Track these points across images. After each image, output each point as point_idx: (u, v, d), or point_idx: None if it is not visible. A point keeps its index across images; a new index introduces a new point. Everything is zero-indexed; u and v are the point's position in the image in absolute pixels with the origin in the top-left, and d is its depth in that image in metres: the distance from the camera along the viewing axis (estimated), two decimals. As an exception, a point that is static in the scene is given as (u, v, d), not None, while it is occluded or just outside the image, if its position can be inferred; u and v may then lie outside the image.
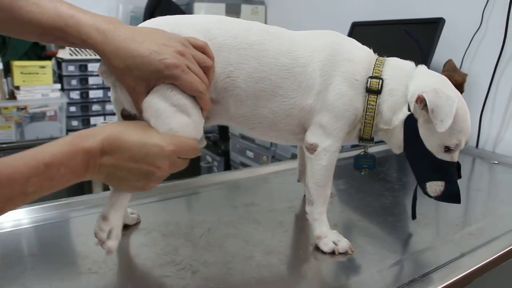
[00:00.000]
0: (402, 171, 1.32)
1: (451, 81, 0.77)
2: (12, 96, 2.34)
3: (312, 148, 0.77)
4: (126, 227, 0.82)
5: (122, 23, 0.65)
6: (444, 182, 0.75)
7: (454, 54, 1.56)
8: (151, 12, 2.61)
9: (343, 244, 0.77)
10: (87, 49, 0.68)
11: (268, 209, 0.97)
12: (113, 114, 0.75)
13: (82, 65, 2.53)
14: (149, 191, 0.67)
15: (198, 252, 0.77)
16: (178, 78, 0.64)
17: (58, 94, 2.43)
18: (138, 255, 0.76)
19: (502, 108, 1.51)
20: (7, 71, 2.37)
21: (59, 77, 2.54)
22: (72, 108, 2.56)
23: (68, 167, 0.56)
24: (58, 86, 2.45)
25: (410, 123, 0.75)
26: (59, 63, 2.53)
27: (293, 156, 1.71)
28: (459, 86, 0.79)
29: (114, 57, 0.63)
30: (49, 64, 2.39)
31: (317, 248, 0.78)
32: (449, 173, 0.75)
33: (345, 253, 0.77)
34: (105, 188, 0.76)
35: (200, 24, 0.74)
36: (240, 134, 2.11)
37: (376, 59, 0.80)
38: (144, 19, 1.20)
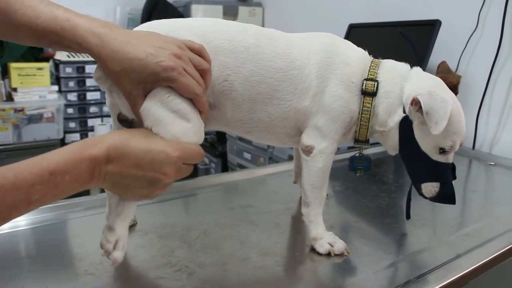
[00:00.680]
0: (399, 173, 1.32)
1: (445, 82, 0.77)
2: (9, 98, 2.34)
3: (308, 150, 0.78)
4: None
5: (118, 27, 0.65)
6: (439, 183, 0.75)
7: (450, 56, 1.57)
8: (148, 14, 2.61)
9: (339, 245, 0.78)
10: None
11: (264, 211, 0.97)
12: (111, 116, 0.75)
13: (80, 67, 2.53)
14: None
15: (194, 254, 0.77)
16: (174, 81, 0.64)
17: (55, 96, 2.43)
18: (134, 256, 0.76)
19: (498, 110, 1.51)
20: (5, 73, 2.38)
21: (56, 79, 2.54)
22: (70, 110, 2.56)
23: (73, 175, 0.55)
24: (56, 88, 2.46)
25: (405, 125, 0.75)
26: (57, 65, 2.54)
27: (290, 158, 1.71)
28: (454, 88, 0.79)
29: (110, 60, 0.63)
30: (47, 66, 2.40)
31: (313, 250, 0.78)
32: (444, 174, 0.75)
33: (341, 255, 0.77)
34: (103, 190, 0.76)
35: (196, 27, 0.74)
36: (237, 136, 2.11)
37: (372, 61, 0.80)
38: (142, 21, 1.20)
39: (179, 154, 0.62)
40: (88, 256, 0.74)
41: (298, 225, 0.88)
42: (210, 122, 0.77)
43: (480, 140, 1.56)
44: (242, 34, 0.75)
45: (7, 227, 0.85)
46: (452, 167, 0.76)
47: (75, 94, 2.57)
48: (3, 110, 2.25)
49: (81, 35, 0.62)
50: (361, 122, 0.78)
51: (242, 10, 2.73)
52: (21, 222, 0.87)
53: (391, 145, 0.80)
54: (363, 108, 0.77)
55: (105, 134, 0.62)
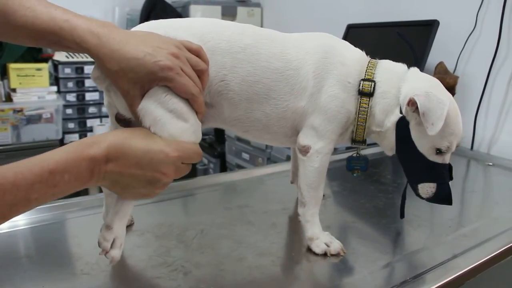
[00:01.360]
0: (396, 173, 1.32)
1: (442, 83, 0.77)
2: (8, 99, 2.34)
3: (305, 150, 0.78)
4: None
5: (116, 27, 0.66)
6: (436, 183, 0.75)
7: (448, 56, 1.57)
8: (147, 14, 2.61)
9: (335, 245, 0.78)
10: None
11: (261, 211, 0.97)
12: (108, 115, 0.75)
13: (79, 68, 2.54)
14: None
15: (191, 254, 0.77)
16: (172, 80, 0.64)
17: (54, 96, 2.43)
18: (130, 256, 0.76)
19: (496, 110, 1.51)
20: (4, 73, 2.38)
21: (55, 80, 2.54)
22: (69, 110, 2.56)
23: (73, 174, 0.55)
24: (55, 88, 2.46)
25: (402, 126, 0.75)
26: (56, 65, 2.54)
27: (288, 158, 1.70)
28: (451, 88, 0.79)
29: (109, 60, 0.63)
30: (46, 66, 2.40)
31: (309, 250, 0.79)
32: (440, 175, 0.75)
33: (337, 255, 0.77)
34: (101, 189, 0.76)
35: (194, 28, 0.74)
36: (236, 136, 2.11)
37: (369, 62, 0.80)
38: (140, 22, 1.20)
39: (178, 153, 0.63)
40: (85, 255, 0.75)
41: (295, 225, 0.88)
42: (208, 120, 0.78)
43: (478, 141, 1.56)
44: (240, 34, 0.75)
45: (5, 227, 0.85)
46: (449, 168, 0.76)
47: (74, 94, 2.57)
48: (2, 110, 2.25)
49: (79, 35, 0.62)
50: (358, 123, 0.78)
51: (241, 10, 2.73)
52: (19, 222, 0.87)
53: (388, 145, 0.80)
54: (360, 108, 0.77)
55: (104, 133, 0.62)
